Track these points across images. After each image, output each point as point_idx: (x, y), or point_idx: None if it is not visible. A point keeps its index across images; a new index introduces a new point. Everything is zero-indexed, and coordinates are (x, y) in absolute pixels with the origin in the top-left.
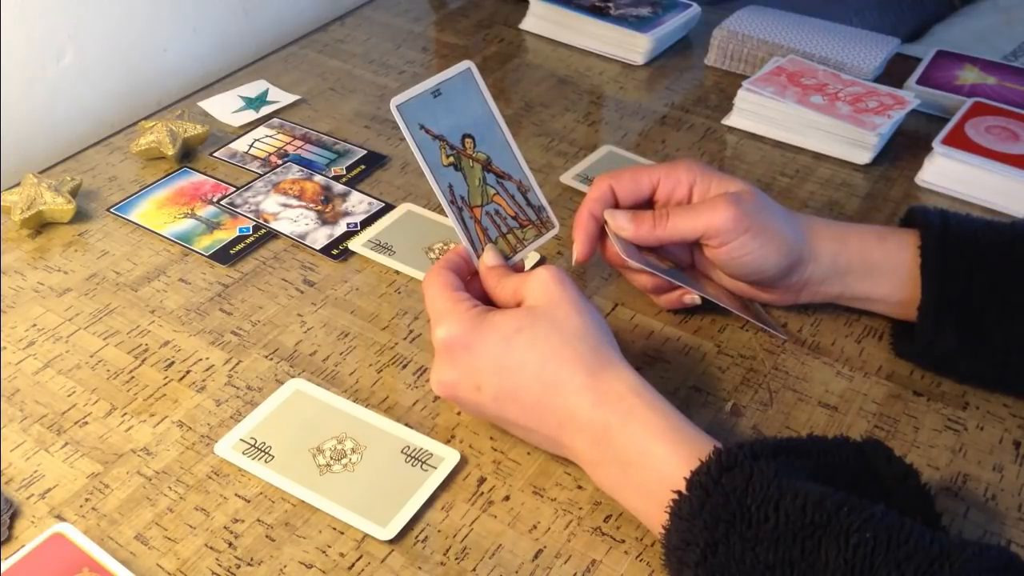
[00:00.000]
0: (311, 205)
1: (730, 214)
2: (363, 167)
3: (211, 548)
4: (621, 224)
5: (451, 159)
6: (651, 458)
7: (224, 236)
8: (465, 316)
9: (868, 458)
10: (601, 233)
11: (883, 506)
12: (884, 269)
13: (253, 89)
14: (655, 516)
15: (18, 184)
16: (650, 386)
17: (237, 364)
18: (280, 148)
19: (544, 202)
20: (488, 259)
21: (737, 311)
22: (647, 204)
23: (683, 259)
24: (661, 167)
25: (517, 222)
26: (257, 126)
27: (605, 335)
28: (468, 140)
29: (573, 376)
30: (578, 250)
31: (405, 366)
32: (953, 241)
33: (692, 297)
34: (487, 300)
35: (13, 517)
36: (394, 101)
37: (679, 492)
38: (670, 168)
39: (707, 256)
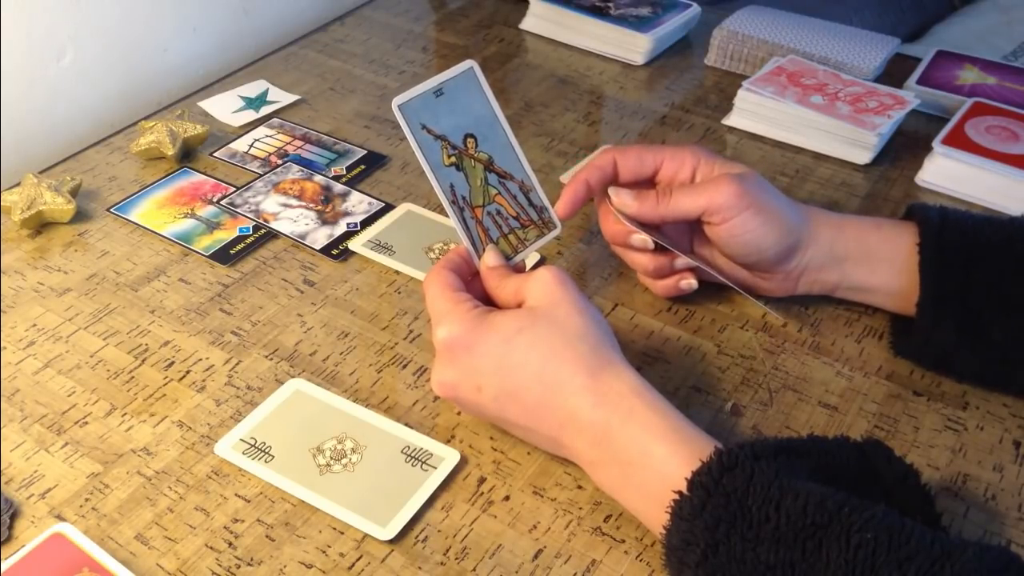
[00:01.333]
0: (311, 205)
1: (732, 190)
2: (363, 167)
3: (211, 548)
4: (625, 201)
5: (453, 159)
6: (652, 458)
7: (224, 236)
8: (466, 316)
9: (868, 458)
10: (602, 208)
11: (884, 506)
12: (881, 256)
13: (253, 89)
14: (656, 516)
15: (18, 184)
16: (650, 386)
17: (237, 364)
18: (280, 148)
19: (547, 202)
20: (489, 259)
21: (733, 285)
22: (648, 183)
23: (683, 246)
24: (667, 149)
25: (519, 222)
26: (257, 126)
27: (606, 335)
28: (470, 140)
29: (574, 376)
30: (559, 207)
31: (405, 366)
32: (951, 236)
33: (689, 282)
34: (488, 300)
35: (13, 517)
36: (395, 101)
37: (680, 492)
38: (675, 150)
39: (708, 235)
